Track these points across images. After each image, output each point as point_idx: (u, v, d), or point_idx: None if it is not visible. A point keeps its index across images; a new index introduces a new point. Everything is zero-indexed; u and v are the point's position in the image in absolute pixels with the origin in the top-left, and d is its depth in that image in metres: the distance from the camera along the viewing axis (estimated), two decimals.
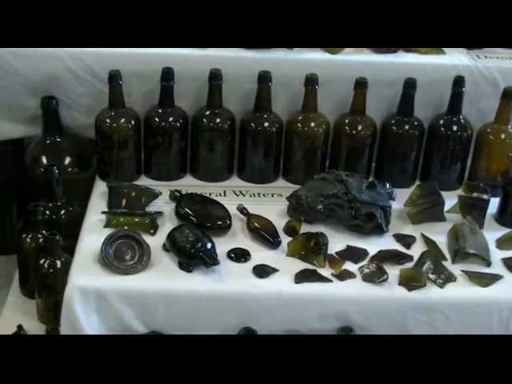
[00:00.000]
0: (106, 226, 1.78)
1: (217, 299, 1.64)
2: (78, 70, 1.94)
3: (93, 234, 1.75)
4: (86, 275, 1.64)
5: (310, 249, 1.74)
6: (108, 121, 1.92)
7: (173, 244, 1.70)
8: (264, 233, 1.78)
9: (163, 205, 1.87)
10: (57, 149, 1.99)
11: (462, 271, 1.72)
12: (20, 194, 2.09)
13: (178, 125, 1.95)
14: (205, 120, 1.95)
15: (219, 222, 1.80)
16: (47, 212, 1.85)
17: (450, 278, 1.70)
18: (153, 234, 1.78)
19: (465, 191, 1.90)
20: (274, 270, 1.69)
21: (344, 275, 1.69)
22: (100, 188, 1.93)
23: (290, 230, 1.81)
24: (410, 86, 1.93)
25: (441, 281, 1.69)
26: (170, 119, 1.94)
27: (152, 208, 1.86)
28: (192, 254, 1.66)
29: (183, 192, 1.89)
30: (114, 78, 1.87)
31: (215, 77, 1.90)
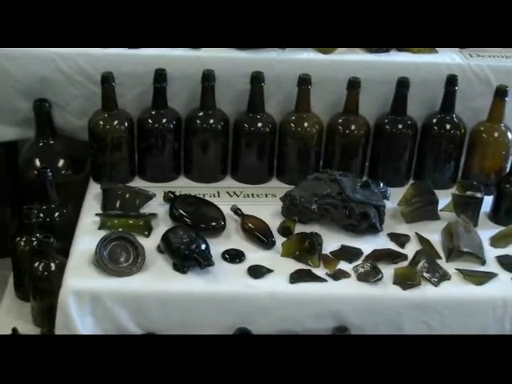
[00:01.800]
0: (101, 228, 1.78)
1: (212, 300, 1.64)
2: (70, 71, 1.94)
3: (87, 236, 1.75)
4: (80, 277, 1.64)
5: (305, 249, 1.74)
6: (101, 123, 1.92)
7: (167, 245, 1.70)
8: (258, 233, 1.78)
9: (157, 206, 1.87)
10: (50, 151, 1.99)
11: (457, 270, 1.72)
12: (14, 196, 2.09)
13: (172, 126, 1.95)
14: (198, 121, 1.95)
15: (213, 223, 1.80)
16: (41, 215, 1.84)
17: (444, 277, 1.70)
18: (147, 236, 1.77)
19: (458, 190, 1.91)
20: (269, 271, 1.69)
21: (339, 275, 1.69)
22: (94, 190, 1.93)
23: (285, 231, 1.81)
24: (402, 85, 1.93)
25: (435, 279, 1.69)
26: (164, 121, 1.94)
27: (146, 210, 1.86)
28: (186, 256, 1.66)
29: (177, 193, 1.89)
30: (107, 79, 1.87)
31: (208, 78, 1.90)
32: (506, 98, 1.94)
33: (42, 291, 1.76)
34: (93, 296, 1.61)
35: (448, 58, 2.03)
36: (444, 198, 1.91)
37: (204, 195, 1.93)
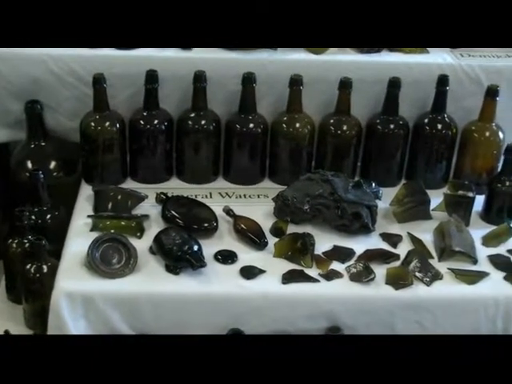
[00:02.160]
0: (93, 229, 1.78)
1: (204, 301, 1.64)
2: (61, 73, 1.93)
3: (79, 238, 1.75)
4: (72, 279, 1.64)
5: (297, 249, 1.74)
6: (93, 124, 1.91)
7: (159, 247, 1.70)
8: (251, 234, 1.78)
9: (149, 208, 1.87)
10: (42, 153, 1.98)
11: (449, 269, 1.73)
12: (5, 198, 2.08)
13: (163, 127, 1.95)
14: (190, 122, 1.95)
15: (206, 224, 1.79)
16: (33, 217, 1.83)
17: (436, 276, 1.70)
18: (139, 237, 1.77)
19: (450, 189, 1.91)
20: (261, 271, 1.69)
21: (331, 275, 1.69)
22: (86, 192, 1.93)
23: (277, 231, 1.81)
24: (394, 85, 1.94)
25: (427, 279, 1.69)
26: (155, 122, 1.94)
27: (138, 211, 1.86)
28: (179, 257, 1.66)
29: (169, 194, 1.89)
30: (98, 81, 1.87)
31: (199, 79, 1.90)
32: (497, 98, 1.94)
33: (34, 293, 1.76)
34: (85, 298, 1.61)
35: (439, 58, 2.03)
36: (436, 197, 1.91)
37: (196, 196, 1.92)
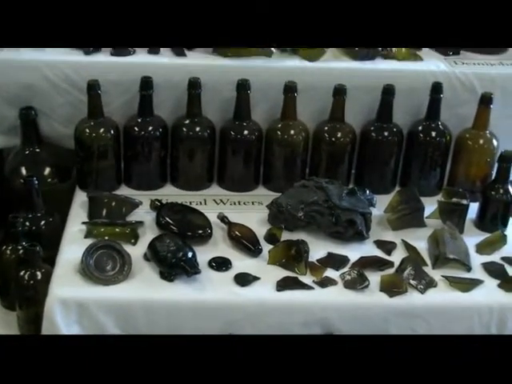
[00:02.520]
0: (87, 236, 1.78)
1: (198, 308, 1.64)
2: (56, 79, 1.93)
3: (73, 245, 1.75)
4: (66, 286, 1.63)
5: (291, 256, 1.74)
6: (87, 130, 1.91)
7: (154, 253, 1.70)
8: (245, 241, 1.78)
9: (144, 214, 1.87)
10: (36, 159, 1.98)
11: (443, 276, 1.73)
12: None
13: (158, 134, 1.95)
14: (184, 129, 1.95)
15: (200, 231, 1.79)
16: (27, 223, 1.83)
17: (430, 284, 1.71)
18: (134, 244, 1.77)
19: (444, 197, 1.92)
20: (256, 278, 1.69)
21: (325, 282, 1.69)
22: (80, 198, 1.93)
23: (271, 238, 1.81)
24: (388, 92, 1.94)
25: (422, 286, 1.69)
26: (150, 128, 1.94)
27: (133, 218, 1.85)
28: (173, 264, 1.66)
29: (164, 201, 1.89)
30: (93, 87, 1.87)
31: (194, 85, 1.90)
32: (491, 106, 1.95)
33: (28, 300, 1.75)
34: (79, 305, 1.61)
35: (433, 66, 2.04)
36: (430, 204, 1.91)
37: (190, 203, 1.92)
